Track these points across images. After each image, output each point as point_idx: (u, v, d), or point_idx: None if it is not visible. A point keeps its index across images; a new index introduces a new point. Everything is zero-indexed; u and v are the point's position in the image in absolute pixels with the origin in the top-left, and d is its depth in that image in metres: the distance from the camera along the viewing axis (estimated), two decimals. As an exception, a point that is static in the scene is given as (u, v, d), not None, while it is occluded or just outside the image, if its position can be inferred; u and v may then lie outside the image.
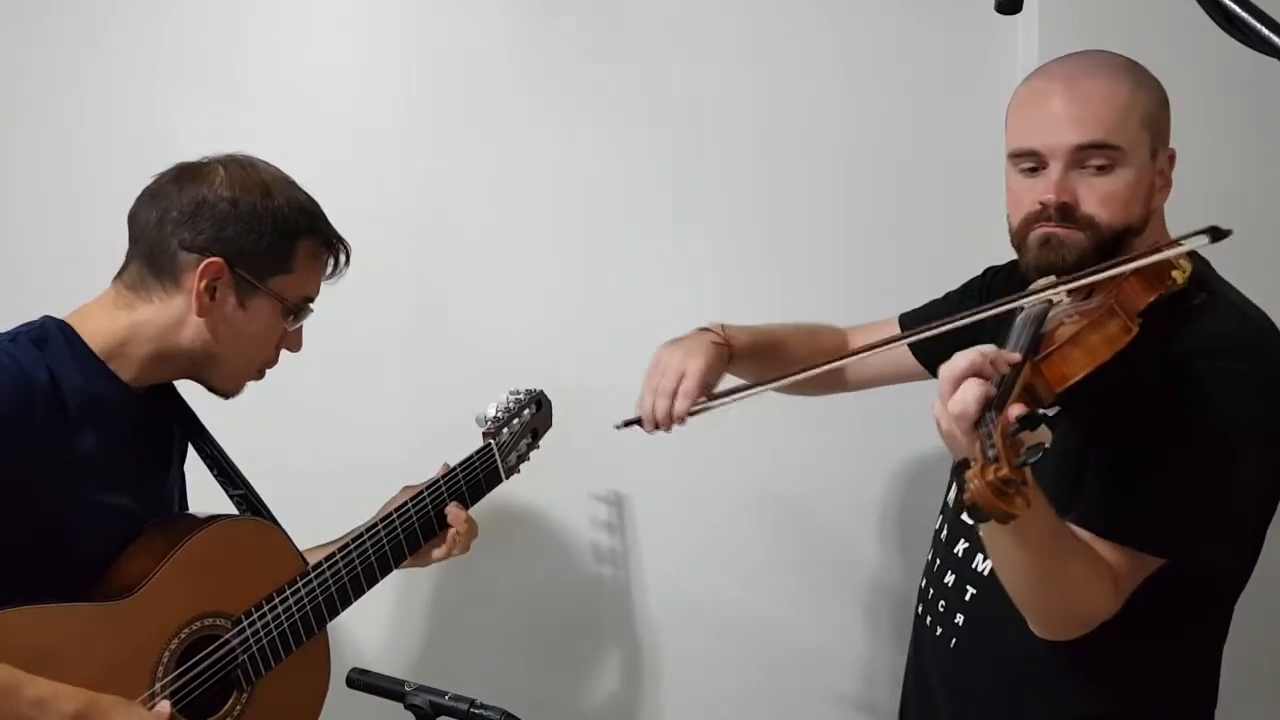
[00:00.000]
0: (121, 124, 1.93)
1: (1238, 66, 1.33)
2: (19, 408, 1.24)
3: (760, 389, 1.48)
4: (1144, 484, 1.25)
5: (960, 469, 1.01)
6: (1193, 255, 1.30)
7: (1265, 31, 0.87)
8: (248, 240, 1.36)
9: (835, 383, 1.74)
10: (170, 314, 1.36)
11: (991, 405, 1.05)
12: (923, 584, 1.53)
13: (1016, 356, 1.11)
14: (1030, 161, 1.33)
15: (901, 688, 1.61)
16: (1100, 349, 1.14)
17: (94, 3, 1.96)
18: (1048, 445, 1.02)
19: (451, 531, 1.60)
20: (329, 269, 1.47)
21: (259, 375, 1.47)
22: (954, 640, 1.42)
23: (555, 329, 2.01)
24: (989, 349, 1.13)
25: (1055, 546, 1.21)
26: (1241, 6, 0.88)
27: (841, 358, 1.57)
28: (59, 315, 1.36)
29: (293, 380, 1.94)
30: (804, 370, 1.48)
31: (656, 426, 1.51)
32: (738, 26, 2.01)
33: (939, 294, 1.73)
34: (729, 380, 1.59)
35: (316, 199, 1.46)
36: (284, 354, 1.49)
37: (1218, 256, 1.39)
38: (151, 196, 1.38)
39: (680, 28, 2.00)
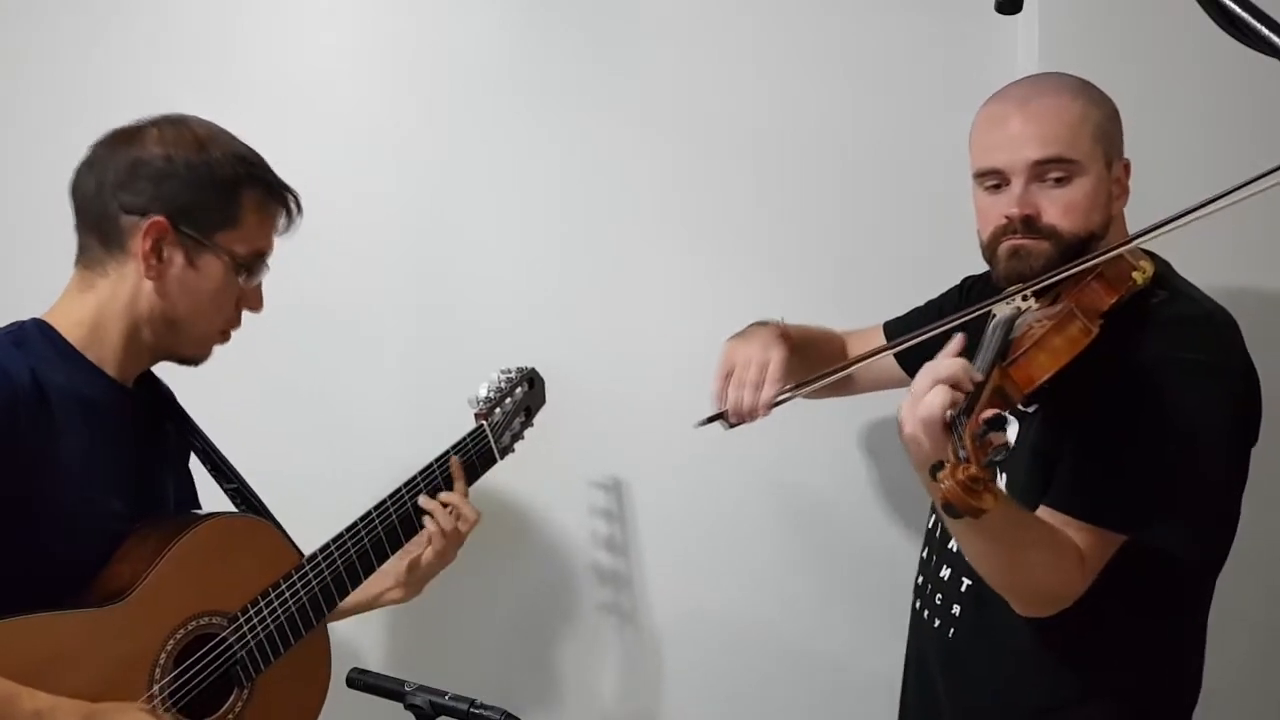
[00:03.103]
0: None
1: (1238, 66, 1.34)
2: (1, 410, 1.22)
3: (827, 379, 1.51)
4: (1107, 467, 1.34)
5: (934, 470, 1.09)
6: (1153, 257, 1.40)
7: (1265, 31, 0.88)
8: (188, 195, 1.33)
9: (845, 387, 1.80)
10: (126, 285, 1.34)
11: (961, 410, 1.13)
12: (919, 580, 1.59)
13: (980, 376, 1.18)
14: (994, 179, 1.42)
15: (902, 680, 1.66)
16: (1062, 350, 1.24)
17: (94, 2, 1.96)
18: (1011, 445, 1.13)
19: (434, 519, 1.58)
20: (281, 221, 1.43)
21: (223, 338, 1.43)
22: (952, 630, 1.49)
23: (555, 327, 2.01)
24: (964, 363, 1.20)
25: (1017, 535, 1.29)
26: (1241, 7, 0.88)
27: (858, 359, 1.61)
28: (58, 315, 1.35)
29: (292, 375, 1.96)
30: (844, 368, 1.56)
31: (741, 420, 1.52)
32: (736, 26, 2.00)
33: (936, 293, 1.75)
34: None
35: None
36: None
37: (1220, 253, 1.40)
38: (89, 166, 1.35)
39: (679, 28, 2.00)
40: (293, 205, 1.43)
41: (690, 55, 2.00)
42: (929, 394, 1.15)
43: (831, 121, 2.01)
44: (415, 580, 1.63)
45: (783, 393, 1.51)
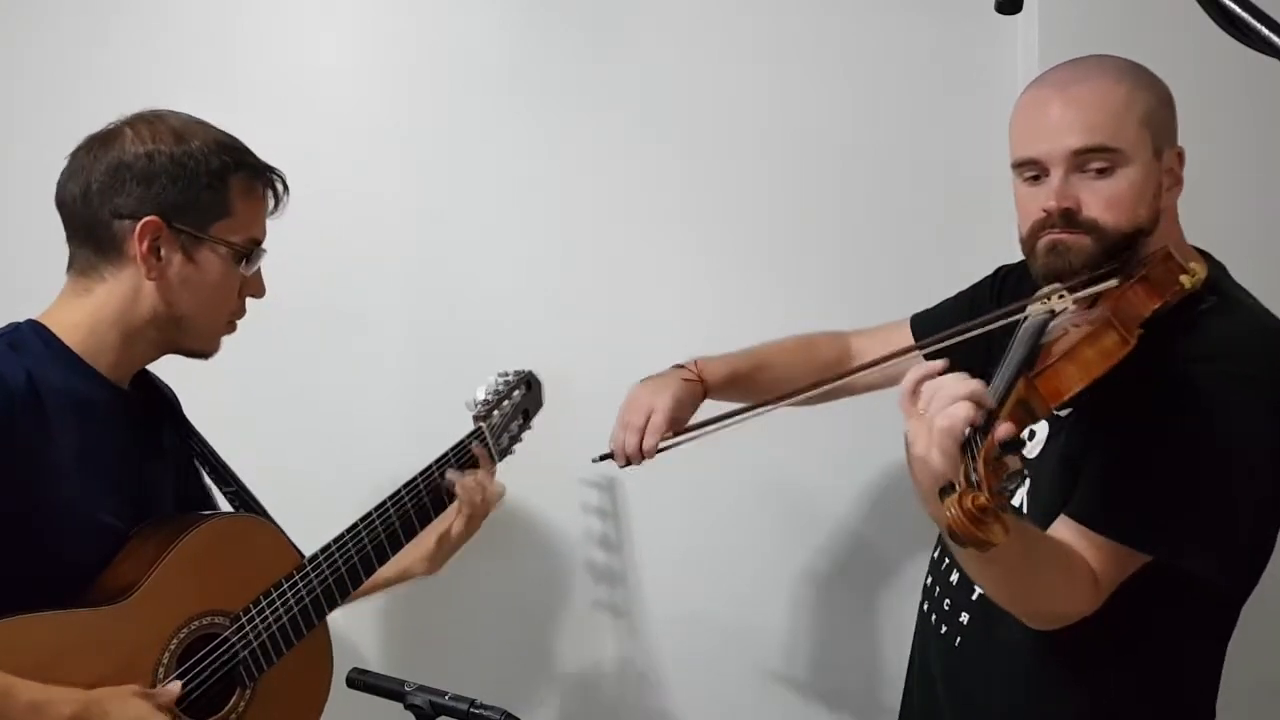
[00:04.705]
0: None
1: (1238, 66, 1.33)
2: None
3: (735, 419, 1.52)
4: (1135, 481, 1.26)
5: (942, 494, 1.01)
6: (1208, 259, 1.31)
7: (1265, 31, 0.87)
8: (177, 191, 1.32)
9: (842, 392, 1.70)
10: (124, 288, 1.33)
11: (979, 428, 1.04)
12: (928, 581, 1.53)
13: (992, 403, 1.08)
14: (1032, 170, 1.34)
15: (904, 683, 1.62)
16: (1095, 363, 1.13)
17: (94, 2, 1.96)
18: (1027, 473, 1.03)
19: (463, 491, 1.60)
20: (270, 203, 1.42)
21: (230, 328, 1.43)
22: (959, 638, 1.43)
23: (553, 326, 2.01)
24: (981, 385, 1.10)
25: (1025, 564, 1.20)
26: (1241, 7, 0.88)
27: (845, 374, 1.57)
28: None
29: (290, 375, 1.96)
30: (791, 396, 1.53)
31: (628, 461, 1.58)
32: (737, 26, 2.01)
33: (936, 293, 1.73)
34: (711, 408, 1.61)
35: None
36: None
37: (1220, 255, 1.40)
38: (71, 175, 1.35)
39: (679, 27, 2.00)
40: (278, 185, 1.42)
41: (690, 55, 2.00)
42: (952, 405, 1.05)
43: (832, 121, 2.00)
44: (442, 554, 1.66)
45: (665, 440, 1.56)
